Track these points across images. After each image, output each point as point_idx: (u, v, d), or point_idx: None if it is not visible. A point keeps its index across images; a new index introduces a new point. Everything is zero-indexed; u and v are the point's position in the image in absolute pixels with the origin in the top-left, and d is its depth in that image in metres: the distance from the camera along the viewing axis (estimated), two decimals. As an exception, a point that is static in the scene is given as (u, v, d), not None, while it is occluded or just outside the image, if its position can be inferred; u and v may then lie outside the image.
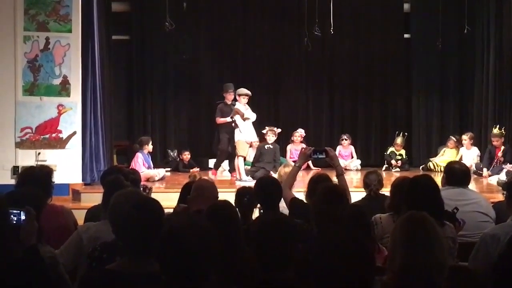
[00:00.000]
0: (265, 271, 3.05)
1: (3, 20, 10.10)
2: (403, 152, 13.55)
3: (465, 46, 14.14)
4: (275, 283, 2.98)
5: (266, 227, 3.16)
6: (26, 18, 10.15)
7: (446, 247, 3.16)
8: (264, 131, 12.43)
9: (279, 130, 12.60)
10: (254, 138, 11.53)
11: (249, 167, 11.83)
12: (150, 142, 12.11)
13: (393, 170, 13.10)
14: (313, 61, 14.48)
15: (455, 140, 13.18)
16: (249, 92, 11.33)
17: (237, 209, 4.57)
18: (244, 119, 11.16)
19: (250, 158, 12.10)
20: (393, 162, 13.27)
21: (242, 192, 5.52)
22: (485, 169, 11.96)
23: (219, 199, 4.66)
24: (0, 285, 3.02)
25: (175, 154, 13.40)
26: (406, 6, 14.58)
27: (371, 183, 6.42)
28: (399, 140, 13.55)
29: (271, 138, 12.20)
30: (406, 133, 13.79)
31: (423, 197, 4.36)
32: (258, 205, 5.31)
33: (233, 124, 11.33)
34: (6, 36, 10.10)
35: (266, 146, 12.08)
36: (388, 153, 13.52)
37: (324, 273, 2.67)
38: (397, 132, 13.76)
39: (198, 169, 12.59)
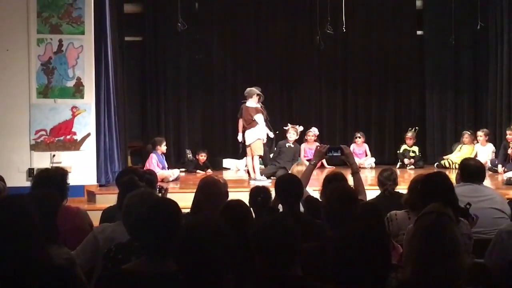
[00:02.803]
0: (270, 269, 3.06)
1: (16, 23, 10.16)
2: (416, 148, 13.50)
3: (479, 41, 14.07)
4: (281, 280, 2.98)
5: (262, 229, 3.15)
6: (39, 21, 10.20)
7: (464, 253, 3.09)
8: (286, 128, 12.38)
9: (301, 128, 12.51)
10: (265, 138, 11.47)
11: (262, 166, 11.80)
12: (164, 143, 12.11)
13: (407, 168, 13.07)
14: (326, 59, 14.45)
15: (470, 134, 13.11)
16: (261, 93, 11.28)
17: (251, 208, 4.58)
18: (265, 119, 11.13)
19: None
20: (405, 160, 13.24)
21: (256, 192, 5.54)
22: (499, 165, 11.89)
23: (233, 198, 4.66)
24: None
25: (190, 155, 13.39)
26: (419, 2, 14.54)
27: (386, 181, 6.42)
28: (409, 133, 13.53)
29: (292, 135, 12.07)
30: (417, 127, 13.75)
31: (436, 195, 4.30)
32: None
33: (242, 123, 11.26)
34: (20, 39, 10.15)
35: (287, 145, 11.99)
36: (401, 151, 13.48)
37: (341, 269, 2.67)
38: (409, 129, 13.74)
39: (210, 170, 12.66)
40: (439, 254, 2.94)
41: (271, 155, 12.20)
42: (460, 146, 13.22)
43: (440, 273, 2.90)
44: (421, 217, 3.30)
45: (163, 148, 12.02)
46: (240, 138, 11.38)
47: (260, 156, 11.43)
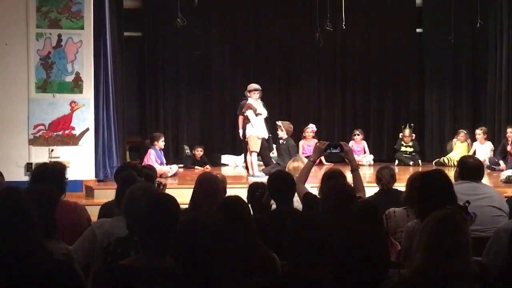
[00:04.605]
0: (295, 267, 3.03)
1: (15, 18, 10.14)
2: (411, 144, 13.49)
3: (478, 40, 14.08)
4: (305, 278, 2.97)
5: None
6: (38, 16, 10.18)
7: (471, 253, 3.06)
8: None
9: (280, 123, 12.41)
10: (265, 135, 11.42)
11: (260, 162, 11.80)
12: (162, 139, 12.08)
13: (405, 165, 13.06)
14: (325, 56, 14.46)
15: (466, 133, 13.12)
16: (258, 87, 11.24)
17: (249, 204, 4.57)
18: (257, 115, 11.11)
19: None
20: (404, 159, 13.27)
21: (254, 187, 5.54)
22: (501, 162, 11.90)
23: (231, 194, 4.65)
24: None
25: (188, 151, 13.41)
26: (418, 0, 14.53)
27: (384, 178, 6.41)
28: (406, 132, 13.53)
29: (279, 133, 12.16)
30: (412, 124, 13.74)
31: (435, 192, 4.29)
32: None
33: (243, 119, 11.26)
34: (19, 33, 10.14)
35: (280, 141, 12.08)
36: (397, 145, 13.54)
37: (339, 266, 2.67)
38: (403, 126, 13.74)
39: (208, 166, 12.69)
40: (449, 246, 2.91)
41: (272, 155, 12.24)
42: (454, 141, 13.23)
43: (447, 268, 2.87)
44: (434, 211, 3.26)
45: (161, 143, 12.00)
46: (240, 134, 11.38)
47: (258, 153, 11.40)
